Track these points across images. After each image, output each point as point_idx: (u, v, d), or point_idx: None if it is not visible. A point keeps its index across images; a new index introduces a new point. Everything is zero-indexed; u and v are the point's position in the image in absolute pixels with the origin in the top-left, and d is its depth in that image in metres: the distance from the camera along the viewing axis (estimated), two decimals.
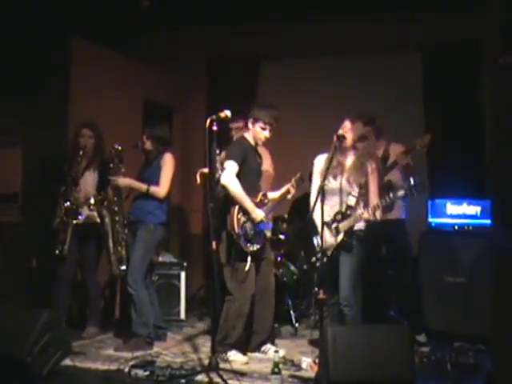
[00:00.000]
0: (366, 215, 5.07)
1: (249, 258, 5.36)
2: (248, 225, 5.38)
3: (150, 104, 8.31)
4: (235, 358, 5.35)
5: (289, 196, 5.61)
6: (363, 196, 5.21)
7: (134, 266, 5.86)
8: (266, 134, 5.50)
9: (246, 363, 5.30)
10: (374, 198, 5.19)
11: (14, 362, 4.55)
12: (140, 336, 5.80)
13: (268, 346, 5.60)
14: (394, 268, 6.46)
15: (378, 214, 5.16)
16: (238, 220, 5.33)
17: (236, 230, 5.31)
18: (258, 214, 5.41)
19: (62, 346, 4.87)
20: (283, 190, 5.59)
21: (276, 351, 5.20)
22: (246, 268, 5.34)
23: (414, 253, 6.39)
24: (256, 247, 5.39)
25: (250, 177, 5.49)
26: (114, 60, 7.73)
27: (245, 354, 5.47)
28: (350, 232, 5.17)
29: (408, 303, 6.25)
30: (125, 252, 6.04)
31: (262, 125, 5.47)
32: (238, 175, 5.38)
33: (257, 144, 5.59)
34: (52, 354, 4.72)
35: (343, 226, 5.16)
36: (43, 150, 6.73)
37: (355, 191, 5.20)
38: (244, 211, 5.37)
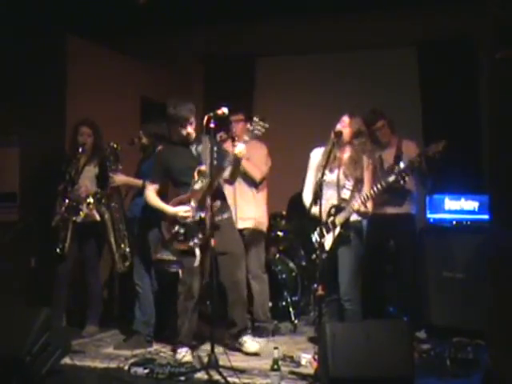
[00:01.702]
0: (356, 206, 5.08)
1: (197, 251, 5.34)
2: (177, 227, 5.37)
3: (147, 101, 8.30)
4: (180, 356, 5.32)
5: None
6: (359, 190, 5.22)
7: (137, 265, 5.89)
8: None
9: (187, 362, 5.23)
10: (365, 189, 5.21)
11: (13, 361, 4.55)
12: (140, 334, 5.81)
13: (244, 339, 5.59)
14: (393, 264, 6.45)
15: (370, 205, 5.18)
16: (167, 227, 5.41)
17: (166, 237, 5.42)
18: (179, 212, 5.34)
19: (62, 345, 4.87)
20: None
21: (275, 348, 5.21)
22: (196, 263, 5.34)
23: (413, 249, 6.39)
24: (196, 240, 5.33)
25: (178, 178, 5.49)
26: (111, 58, 7.72)
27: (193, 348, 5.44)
28: (346, 224, 5.17)
29: (408, 299, 6.24)
30: (128, 249, 6.05)
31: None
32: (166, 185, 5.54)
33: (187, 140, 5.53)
34: (51, 353, 4.72)
35: (339, 219, 5.16)
36: (41, 149, 6.73)
37: (350, 184, 5.20)
38: (168, 218, 5.39)
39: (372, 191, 5.11)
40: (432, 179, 6.24)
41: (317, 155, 5.42)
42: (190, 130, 5.44)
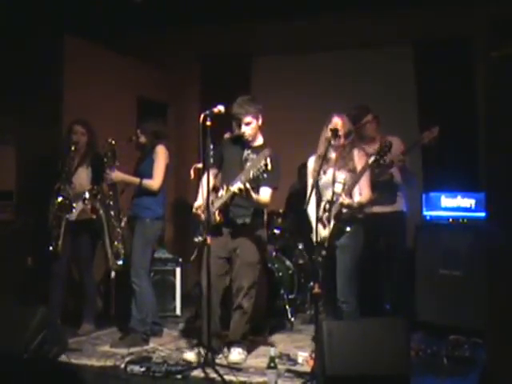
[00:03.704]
0: (341, 199, 5.04)
1: (195, 250, 5.47)
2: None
3: (144, 100, 8.30)
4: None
5: None
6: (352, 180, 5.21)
7: (135, 262, 5.89)
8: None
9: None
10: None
11: (10, 359, 4.55)
12: (137, 332, 5.82)
13: (231, 350, 5.38)
14: (389, 261, 6.43)
15: (365, 198, 5.19)
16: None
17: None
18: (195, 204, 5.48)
19: (58, 343, 4.87)
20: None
21: (272, 346, 5.21)
22: (191, 258, 5.49)
23: (409, 246, 6.39)
24: (199, 239, 5.38)
25: (223, 170, 5.55)
26: (108, 57, 7.71)
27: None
28: (339, 217, 5.15)
29: (399, 297, 6.24)
30: (122, 247, 6.05)
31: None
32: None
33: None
34: (48, 351, 4.73)
35: (332, 212, 5.15)
36: (37, 147, 6.72)
37: (342, 178, 5.19)
38: None
39: (353, 182, 5.10)
40: (416, 179, 6.25)
41: (312, 162, 5.45)
42: (245, 129, 5.34)
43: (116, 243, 6.05)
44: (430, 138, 5.93)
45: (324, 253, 5.05)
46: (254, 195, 5.11)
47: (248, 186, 5.00)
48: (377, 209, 6.03)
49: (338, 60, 8.07)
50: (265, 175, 4.94)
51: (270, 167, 4.85)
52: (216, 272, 5.33)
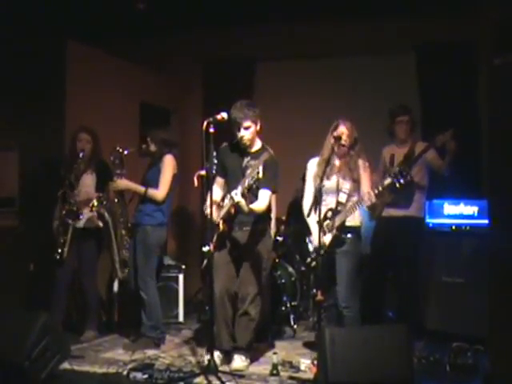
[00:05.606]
0: (360, 200, 5.08)
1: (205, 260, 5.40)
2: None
3: (147, 106, 8.30)
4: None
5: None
6: (356, 191, 5.23)
7: (140, 270, 5.91)
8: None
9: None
10: (365, 188, 5.21)
11: (12, 366, 4.54)
12: (149, 337, 5.91)
13: (235, 357, 5.35)
14: (397, 268, 6.35)
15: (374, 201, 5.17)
16: None
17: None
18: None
19: (61, 350, 4.86)
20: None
21: (275, 353, 5.20)
22: (202, 266, 5.46)
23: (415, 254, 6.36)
24: (207, 248, 5.25)
25: (227, 178, 5.52)
26: (110, 62, 7.71)
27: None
28: (342, 227, 5.17)
29: (404, 305, 6.21)
30: (129, 255, 6.06)
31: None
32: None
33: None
34: (50, 358, 4.72)
35: (335, 221, 5.16)
36: (40, 153, 6.71)
37: (347, 188, 5.21)
38: None
39: (371, 191, 5.09)
40: (449, 168, 6.17)
41: (313, 165, 5.45)
42: (244, 133, 5.29)
43: (124, 252, 6.04)
44: (442, 141, 5.92)
45: (319, 259, 5.05)
46: (245, 208, 5.09)
47: (241, 199, 4.99)
48: (389, 211, 6.01)
49: (340, 65, 8.08)
50: (257, 183, 4.97)
51: (260, 175, 4.88)
52: (229, 275, 5.38)
